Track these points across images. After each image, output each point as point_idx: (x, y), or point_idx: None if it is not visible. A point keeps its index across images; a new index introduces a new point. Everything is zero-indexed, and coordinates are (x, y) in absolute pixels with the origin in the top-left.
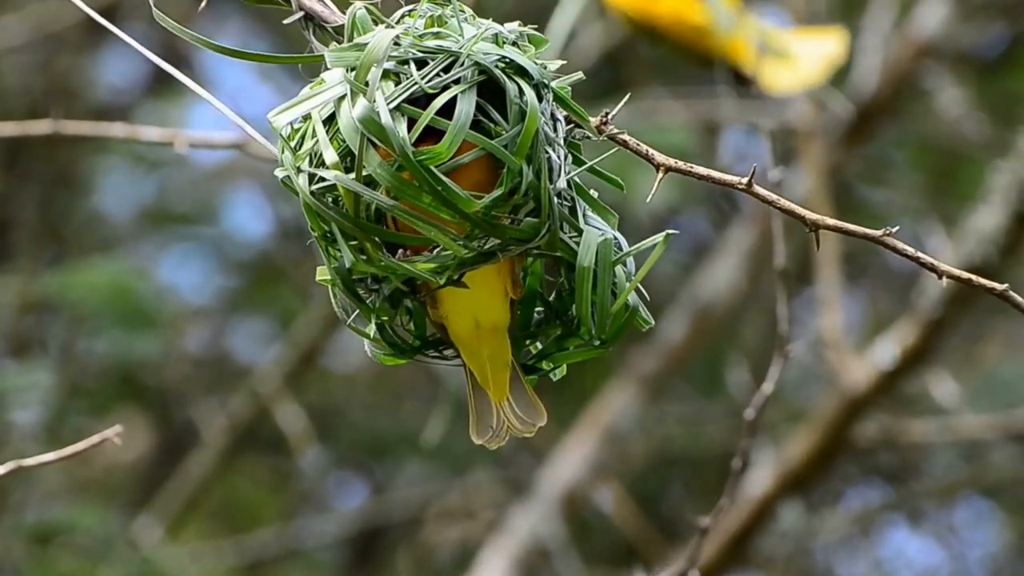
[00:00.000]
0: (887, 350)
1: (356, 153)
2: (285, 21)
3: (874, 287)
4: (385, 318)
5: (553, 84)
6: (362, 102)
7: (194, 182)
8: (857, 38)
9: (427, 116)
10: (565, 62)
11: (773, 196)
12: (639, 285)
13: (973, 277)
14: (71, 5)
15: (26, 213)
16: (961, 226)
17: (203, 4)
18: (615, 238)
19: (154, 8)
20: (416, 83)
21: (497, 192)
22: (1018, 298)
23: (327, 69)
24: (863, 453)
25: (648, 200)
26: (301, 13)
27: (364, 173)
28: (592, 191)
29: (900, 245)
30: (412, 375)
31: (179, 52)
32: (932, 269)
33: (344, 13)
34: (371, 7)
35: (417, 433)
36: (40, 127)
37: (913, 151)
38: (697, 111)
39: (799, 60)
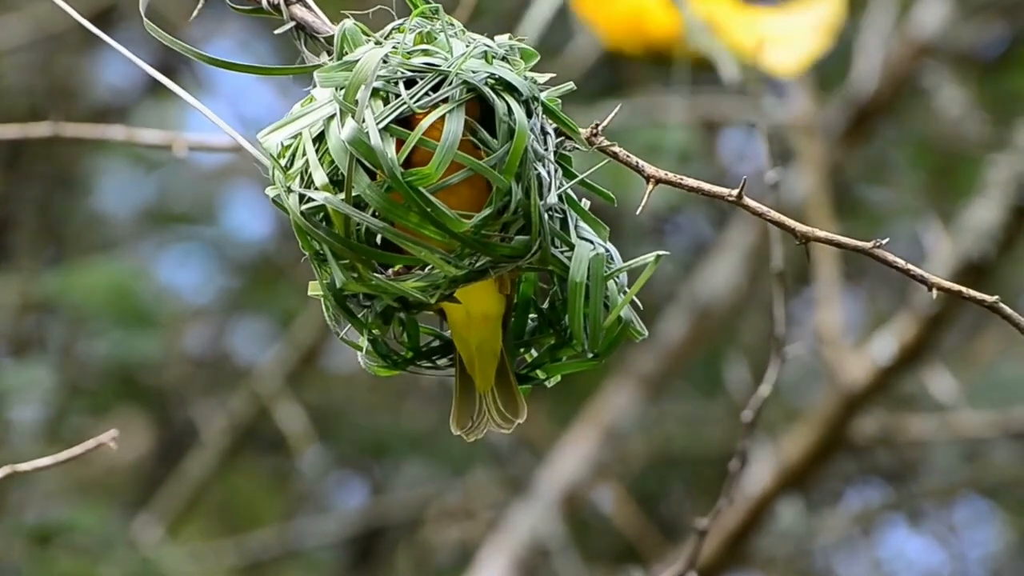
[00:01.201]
0: (885, 346)
1: (345, 173)
2: (276, 31)
3: (872, 285)
4: (377, 332)
5: (543, 96)
6: (351, 123)
7: (194, 182)
8: (857, 38)
9: (415, 137)
10: (556, 75)
11: (763, 208)
12: (633, 297)
13: (964, 289)
14: (70, 5)
15: (26, 213)
16: (959, 222)
17: (196, 12)
18: (607, 251)
19: (145, 19)
20: (405, 103)
21: (486, 211)
22: (1008, 310)
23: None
24: (862, 452)
25: (638, 212)
26: (292, 23)
27: (353, 194)
28: (584, 201)
29: (890, 257)
30: (412, 375)
31: (178, 52)
32: (923, 281)
33: (335, 24)
34: (359, 24)
35: (417, 433)
36: (40, 129)
37: (913, 150)
38: (697, 110)
39: (794, 38)
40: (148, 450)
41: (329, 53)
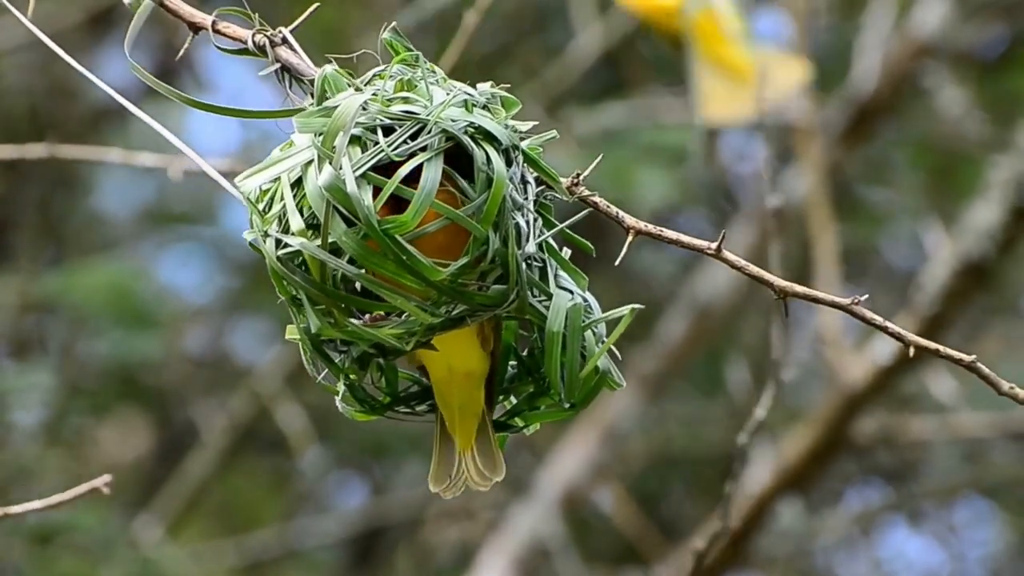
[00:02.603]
0: (885, 347)
1: (321, 220)
2: (260, 73)
3: (873, 286)
4: (354, 377)
5: (525, 144)
6: (328, 169)
7: (194, 182)
8: (857, 38)
9: (391, 185)
10: (538, 122)
11: (741, 262)
12: (611, 347)
13: (941, 348)
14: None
15: (26, 213)
16: (959, 222)
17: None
18: (586, 301)
19: (130, 59)
20: (382, 151)
21: (463, 260)
22: (985, 369)
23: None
24: (862, 452)
25: (617, 263)
26: (277, 65)
27: (330, 240)
28: (564, 250)
29: (868, 314)
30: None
31: (177, 49)
32: (899, 339)
33: (320, 67)
34: (341, 70)
35: (417, 433)
36: (35, 151)
37: (913, 150)
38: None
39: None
40: (148, 450)
41: (313, 96)
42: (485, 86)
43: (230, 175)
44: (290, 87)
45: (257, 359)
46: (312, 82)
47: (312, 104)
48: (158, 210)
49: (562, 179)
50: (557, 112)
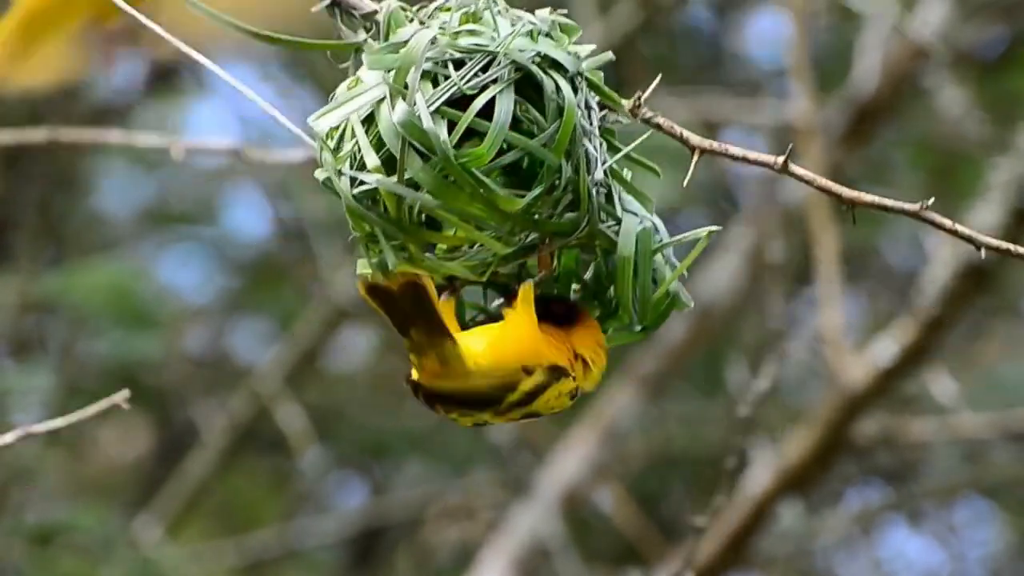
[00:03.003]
0: (886, 348)
1: (397, 156)
2: (313, 8)
3: (874, 286)
4: None
5: (584, 68)
6: (402, 106)
7: (194, 182)
8: (857, 38)
9: (467, 118)
10: (595, 46)
11: (810, 175)
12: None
13: (1013, 247)
14: None
15: (26, 213)
16: (960, 223)
17: None
18: (653, 224)
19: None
20: (455, 84)
21: (537, 190)
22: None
23: (358, 66)
24: (863, 453)
25: (684, 183)
26: (328, 0)
27: (406, 176)
28: (627, 172)
29: (938, 219)
30: None
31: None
32: (971, 241)
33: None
34: (403, 4)
35: (417, 433)
36: (36, 135)
37: (913, 151)
38: (697, 110)
39: None
40: (148, 450)
41: (367, 29)
42: (544, 12)
43: (230, 174)
44: (341, 21)
45: (257, 359)
46: (365, 16)
47: (367, 39)
48: (158, 210)
49: (623, 101)
50: None
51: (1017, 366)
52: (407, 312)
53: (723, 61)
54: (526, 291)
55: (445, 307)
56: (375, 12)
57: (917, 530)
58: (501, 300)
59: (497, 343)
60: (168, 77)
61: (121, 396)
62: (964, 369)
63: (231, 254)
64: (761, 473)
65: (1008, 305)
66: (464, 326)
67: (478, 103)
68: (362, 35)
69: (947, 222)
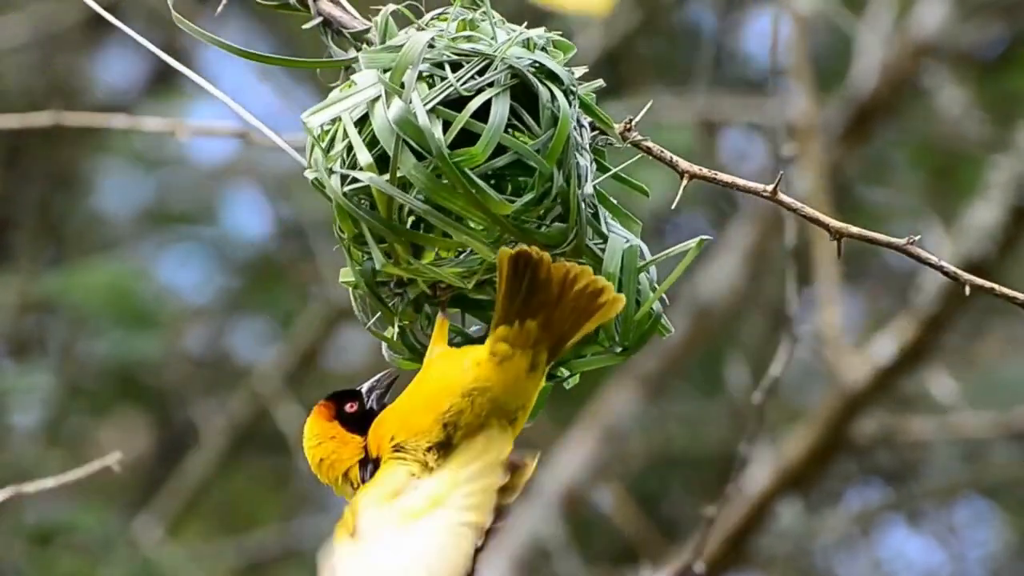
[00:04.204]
0: (885, 347)
1: (390, 154)
2: (305, 26)
3: (873, 286)
4: (407, 322)
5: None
6: (398, 103)
7: (194, 182)
8: (857, 37)
9: (463, 118)
10: (587, 69)
11: (798, 204)
12: (662, 294)
13: (997, 287)
14: (71, 5)
15: (26, 213)
16: (959, 222)
17: (220, 8)
18: (639, 245)
19: (173, 11)
20: (451, 85)
21: (528, 196)
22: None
23: (349, 73)
24: (862, 452)
25: (672, 206)
26: (320, 19)
27: (399, 175)
28: (612, 199)
29: (923, 253)
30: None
31: (178, 50)
32: (953, 278)
33: (363, 18)
34: (403, 9)
35: None
36: (41, 119)
37: (913, 150)
38: (697, 110)
39: None
40: (148, 450)
41: (357, 48)
42: (540, 30)
43: (232, 173)
44: (331, 40)
45: (257, 359)
46: (355, 35)
47: (368, 47)
48: (158, 210)
49: (615, 124)
50: None
51: (1017, 366)
52: (541, 297)
53: (723, 61)
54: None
55: (439, 326)
56: (367, 31)
57: (917, 530)
58: (480, 325)
59: None
60: (168, 76)
61: (113, 459)
62: (964, 368)
63: (231, 254)
64: (761, 472)
65: (1007, 305)
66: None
67: (474, 104)
68: (352, 54)
69: (933, 258)
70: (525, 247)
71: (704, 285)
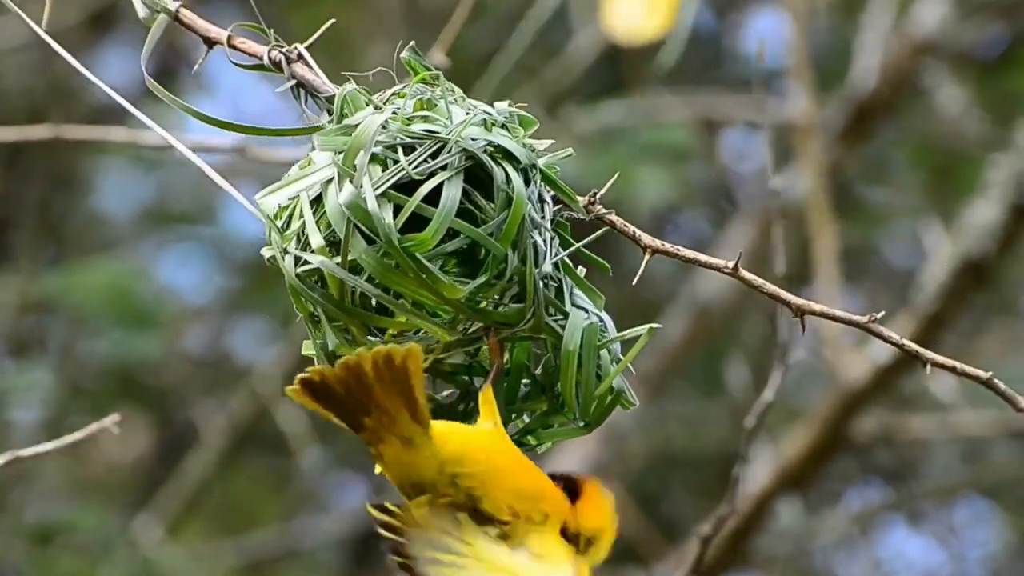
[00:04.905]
0: (885, 345)
1: (342, 237)
2: (278, 90)
3: (873, 285)
4: None
5: (542, 162)
6: (349, 187)
7: (194, 182)
8: (856, 37)
9: (412, 204)
10: (554, 141)
11: (759, 281)
12: (628, 365)
13: (957, 365)
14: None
15: (26, 213)
16: (959, 222)
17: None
18: (600, 320)
19: (148, 77)
20: (403, 169)
21: (481, 279)
22: (1002, 386)
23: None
24: (862, 451)
25: (634, 282)
26: (293, 81)
27: (350, 258)
28: (580, 269)
29: (885, 332)
30: None
31: (178, 49)
32: (916, 356)
33: (336, 84)
34: (359, 89)
35: None
36: (40, 131)
37: (912, 150)
38: (697, 110)
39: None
40: (148, 450)
41: (330, 112)
42: (503, 104)
43: (231, 174)
44: (305, 103)
45: (257, 359)
46: (328, 98)
47: (329, 121)
48: (158, 210)
49: (579, 198)
50: (556, 111)
51: (1017, 365)
52: (355, 399)
53: (723, 61)
54: (485, 395)
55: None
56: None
57: (917, 530)
58: (452, 391)
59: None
60: (169, 79)
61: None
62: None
63: (231, 254)
64: (761, 472)
65: (1007, 303)
66: None
67: (424, 189)
68: (325, 118)
69: (895, 336)
70: (301, 374)
71: (704, 284)
